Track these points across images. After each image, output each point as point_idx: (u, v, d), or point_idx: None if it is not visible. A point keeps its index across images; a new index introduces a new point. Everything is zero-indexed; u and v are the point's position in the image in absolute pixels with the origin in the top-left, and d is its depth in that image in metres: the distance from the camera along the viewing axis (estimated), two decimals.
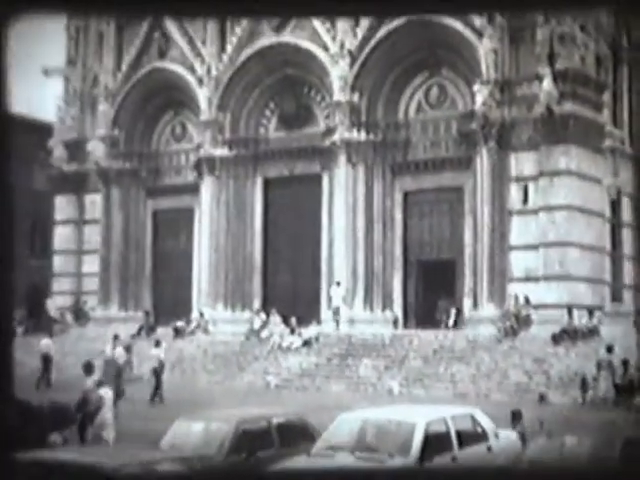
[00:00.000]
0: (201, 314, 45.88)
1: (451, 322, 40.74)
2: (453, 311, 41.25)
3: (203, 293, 47.55)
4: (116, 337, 38.58)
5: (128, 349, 37.55)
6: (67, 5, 3.33)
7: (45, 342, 39.41)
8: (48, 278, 53.09)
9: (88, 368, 21.29)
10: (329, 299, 43.17)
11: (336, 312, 41.94)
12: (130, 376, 33.98)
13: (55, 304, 50.21)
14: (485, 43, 39.79)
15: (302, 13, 3.12)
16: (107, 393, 19.19)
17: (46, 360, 38.02)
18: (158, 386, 32.84)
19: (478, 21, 40.12)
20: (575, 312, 36.00)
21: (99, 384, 20.03)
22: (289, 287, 46.62)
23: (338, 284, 42.58)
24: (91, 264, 51.45)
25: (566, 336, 34.86)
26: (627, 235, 42.26)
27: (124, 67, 50.64)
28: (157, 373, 33.19)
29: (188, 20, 47.38)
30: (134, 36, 50.67)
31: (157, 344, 34.69)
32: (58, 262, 52.64)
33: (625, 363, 30.12)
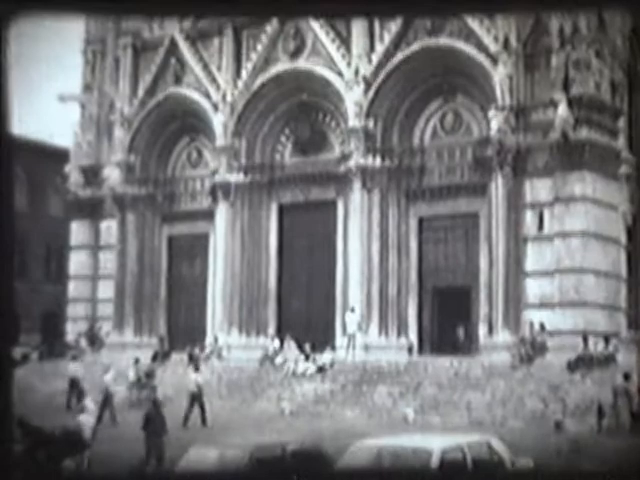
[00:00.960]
0: (215, 340, 45.83)
1: (461, 337, 41.10)
2: (461, 331, 41.38)
3: (217, 319, 47.50)
4: (137, 361, 38.80)
5: (150, 375, 37.95)
6: (67, 5, 3.33)
7: (73, 366, 39.59)
8: (63, 303, 53.17)
9: (73, 388, 21.90)
10: (344, 325, 43.03)
11: (351, 338, 41.82)
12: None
13: (77, 329, 50.38)
14: (500, 69, 39.81)
15: (306, 13, 3.13)
16: (88, 420, 19.39)
17: (74, 384, 38.05)
18: (202, 410, 33.42)
19: (493, 47, 40.18)
20: (591, 339, 35.78)
21: (81, 410, 20.39)
22: (303, 313, 46.54)
23: (353, 310, 42.47)
24: (106, 290, 51.50)
25: (582, 363, 34.62)
26: None
27: (140, 93, 50.88)
28: (196, 397, 33.62)
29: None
30: (150, 62, 50.96)
31: (196, 369, 35.11)
32: (73, 287, 52.73)
33: None
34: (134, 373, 39.58)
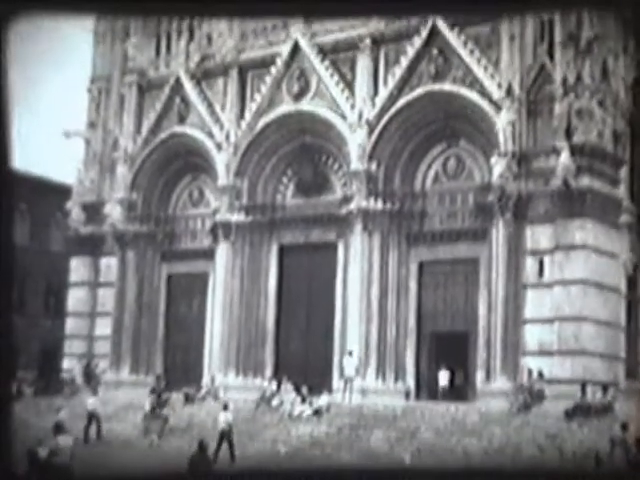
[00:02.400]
0: (212, 380, 45.61)
1: (444, 383, 40.97)
2: (446, 374, 41.21)
3: (215, 359, 47.31)
4: (153, 391, 39.62)
5: (163, 405, 38.78)
6: (67, 5, 3.32)
7: (92, 401, 39.75)
8: (61, 339, 52.98)
9: (58, 429, 22.18)
10: (341, 368, 42.85)
11: (348, 382, 41.64)
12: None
13: (74, 366, 50.32)
14: (503, 116, 39.95)
15: (305, 13, 3.11)
16: (66, 440, 19.64)
17: (92, 417, 38.49)
18: (231, 446, 33.83)
19: (496, 93, 40.37)
20: (589, 388, 35.58)
21: (57, 430, 20.71)
22: (301, 355, 46.34)
23: (350, 354, 42.31)
24: (104, 327, 51.35)
25: (580, 412, 34.40)
26: None
27: (144, 131, 51.09)
28: (225, 435, 33.89)
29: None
30: (155, 100, 51.24)
31: (225, 407, 35.25)
32: (71, 324, 52.58)
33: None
34: (149, 403, 40.13)
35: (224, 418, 34.69)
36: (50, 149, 58.82)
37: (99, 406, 39.50)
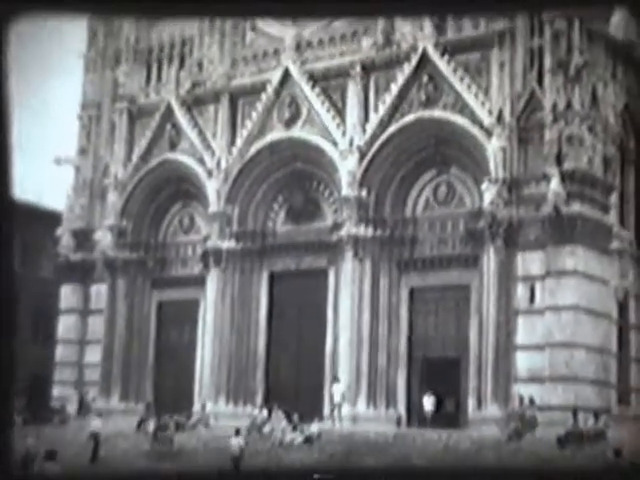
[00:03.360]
0: (203, 408, 45.36)
1: (429, 408, 40.81)
2: (430, 400, 41.03)
3: (205, 386, 47.09)
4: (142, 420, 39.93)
5: (166, 427, 38.94)
6: (67, 5, 3.27)
7: (96, 422, 39.77)
8: (50, 367, 52.68)
9: (49, 455, 22.50)
10: (331, 395, 42.68)
11: (336, 408, 41.50)
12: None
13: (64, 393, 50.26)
14: (494, 142, 40.04)
15: (303, 13, 3.07)
16: (54, 467, 19.86)
17: (96, 438, 38.53)
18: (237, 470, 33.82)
19: (487, 120, 40.47)
20: (581, 414, 35.45)
21: (48, 457, 21.07)
22: (292, 382, 46.14)
23: (337, 380, 42.23)
24: (94, 354, 51.11)
25: (572, 439, 34.25)
26: (634, 337, 41.87)
27: (135, 158, 51.05)
28: (236, 461, 33.83)
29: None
30: (146, 127, 51.23)
31: (237, 432, 35.09)
32: (61, 351, 52.33)
33: (633, 467, 29.49)
34: (153, 427, 40.56)
35: (236, 443, 34.58)
36: (40, 175, 58.67)
37: (101, 428, 39.55)
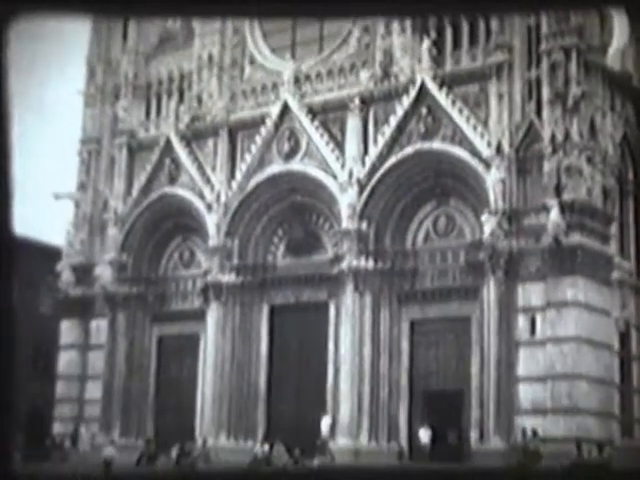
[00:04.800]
0: (204, 443, 45.07)
1: (425, 441, 40.54)
2: (427, 432, 40.75)
3: (206, 421, 46.84)
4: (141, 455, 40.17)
5: (189, 453, 39.08)
6: (67, 5, 3.22)
7: (109, 449, 40.53)
8: (50, 403, 52.45)
9: None
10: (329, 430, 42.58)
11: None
12: None
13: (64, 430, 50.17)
14: (493, 173, 40.04)
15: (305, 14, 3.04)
16: None
17: (108, 465, 39.15)
18: None
19: (486, 151, 40.51)
20: (584, 446, 35.20)
21: None
22: (293, 417, 45.88)
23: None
24: (94, 390, 50.86)
25: (576, 471, 33.96)
26: (636, 368, 41.67)
27: (134, 192, 51.07)
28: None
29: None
30: (145, 161, 51.31)
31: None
32: (61, 387, 52.09)
33: None
34: (175, 452, 41.71)
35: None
36: (40, 211, 58.69)
37: (115, 454, 40.49)
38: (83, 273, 52.19)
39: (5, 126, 3.31)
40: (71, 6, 3.25)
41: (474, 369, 40.83)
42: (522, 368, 39.05)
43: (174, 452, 41.24)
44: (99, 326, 51.70)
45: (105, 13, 3.43)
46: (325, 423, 41.96)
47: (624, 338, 41.30)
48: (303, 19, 44.37)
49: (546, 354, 38.44)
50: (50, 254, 54.62)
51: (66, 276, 52.30)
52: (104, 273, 50.65)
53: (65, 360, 52.35)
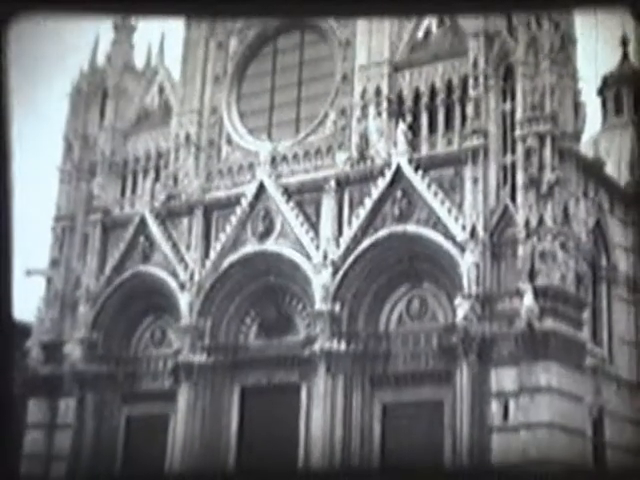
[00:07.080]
0: None
1: None
2: None
3: None
4: None
5: None
6: (66, 5, 3.14)
7: None
8: None
9: None
10: None
11: None
12: None
13: None
14: (467, 257, 40.10)
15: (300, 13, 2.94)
16: None
17: None
18: None
19: (460, 235, 40.62)
20: None
21: None
22: None
23: None
24: (59, 470, 49.86)
25: None
26: (610, 455, 41.35)
27: (108, 270, 50.76)
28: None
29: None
30: (119, 239, 51.13)
31: None
32: (25, 468, 51.01)
33: None
34: None
35: None
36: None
37: None
38: (53, 351, 51.56)
39: (5, 126, 3.21)
40: (71, 7, 3.18)
41: (447, 454, 40.39)
42: (495, 454, 38.65)
43: None
44: (67, 405, 50.91)
45: (105, 13, 3.36)
46: None
47: (597, 424, 41.10)
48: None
49: (519, 440, 38.10)
50: (19, 331, 53.95)
51: (35, 354, 51.64)
52: (74, 351, 50.07)
53: (30, 439, 51.37)
